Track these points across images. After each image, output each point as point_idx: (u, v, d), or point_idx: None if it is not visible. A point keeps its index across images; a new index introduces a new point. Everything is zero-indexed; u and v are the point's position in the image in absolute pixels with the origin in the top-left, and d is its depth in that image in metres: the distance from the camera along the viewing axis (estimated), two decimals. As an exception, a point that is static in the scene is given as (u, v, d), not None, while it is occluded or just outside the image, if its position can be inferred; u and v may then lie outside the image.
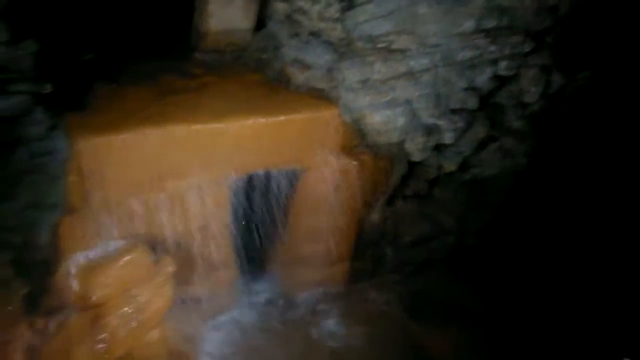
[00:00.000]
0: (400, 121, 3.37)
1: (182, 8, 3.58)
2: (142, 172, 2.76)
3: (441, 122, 3.51)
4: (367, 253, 3.85)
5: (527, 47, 3.54)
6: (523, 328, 3.49)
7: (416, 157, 3.56)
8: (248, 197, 3.29)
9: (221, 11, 3.42)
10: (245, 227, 3.41)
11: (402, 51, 3.27)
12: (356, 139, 3.39)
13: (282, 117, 3.11)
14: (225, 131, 2.96)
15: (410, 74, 3.34)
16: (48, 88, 2.41)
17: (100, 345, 2.61)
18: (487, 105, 3.66)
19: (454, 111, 3.58)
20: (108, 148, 2.64)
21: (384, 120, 3.33)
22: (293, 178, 3.36)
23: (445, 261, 4.01)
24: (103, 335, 2.62)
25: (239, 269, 3.52)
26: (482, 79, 3.58)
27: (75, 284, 2.60)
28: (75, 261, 2.66)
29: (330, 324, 3.70)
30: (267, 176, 3.25)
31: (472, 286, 3.86)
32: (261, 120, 3.05)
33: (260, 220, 3.44)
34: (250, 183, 3.23)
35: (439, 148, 3.63)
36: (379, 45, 3.17)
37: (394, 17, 3.16)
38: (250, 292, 3.76)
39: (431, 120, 3.49)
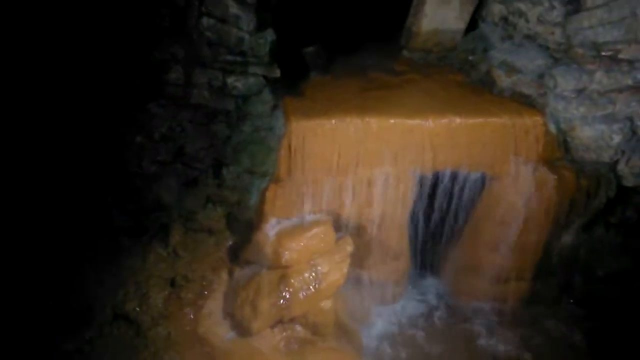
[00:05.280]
0: (616, 139, 3.02)
1: (396, 8, 3.77)
2: (339, 157, 2.99)
3: (667, 147, 3.04)
4: (552, 278, 3.54)
5: None
6: None
7: (629, 182, 3.15)
8: (431, 195, 3.30)
9: (436, 12, 3.49)
10: (424, 224, 3.45)
11: (630, 62, 2.91)
12: (558, 152, 3.15)
13: (479, 120, 3.06)
14: (418, 127, 3.02)
15: (636, 89, 2.95)
16: (278, 73, 2.78)
17: (282, 302, 2.93)
18: None
19: (686, 135, 3.07)
20: (314, 131, 2.92)
21: (596, 135, 3.03)
22: (481, 183, 3.27)
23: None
24: (286, 294, 2.94)
25: (411, 264, 3.58)
26: None
27: (271, 244, 2.97)
28: (274, 224, 3.03)
29: (498, 341, 3.52)
30: (454, 177, 3.22)
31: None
32: (457, 120, 3.04)
33: (440, 220, 3.43)
34: (436, 181, 3.24)
35: (659, 175, 3.15)
36: (603, 54, 2.88)
37: (625, 24, 2.82)
38: (419, 288, 3.79)
39: (655, 143, 3.05)
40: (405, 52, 3.78)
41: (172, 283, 2.97)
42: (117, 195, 2.79)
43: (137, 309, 2.85)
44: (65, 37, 2.41)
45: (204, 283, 3.04)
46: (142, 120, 2.71)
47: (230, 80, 2.72)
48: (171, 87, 2.67)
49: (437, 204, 3.34)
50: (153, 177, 2.82)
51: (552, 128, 3.09)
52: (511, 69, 3.25)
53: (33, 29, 2.32)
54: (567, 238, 3.38)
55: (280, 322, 3.03)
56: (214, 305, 3.02)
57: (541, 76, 3.12)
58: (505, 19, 3.32)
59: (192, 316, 2.96)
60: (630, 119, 3.03)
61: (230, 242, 3.13)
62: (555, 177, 3.13)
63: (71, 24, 2.40)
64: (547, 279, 3.56)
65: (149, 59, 2.59)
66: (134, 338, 2.79)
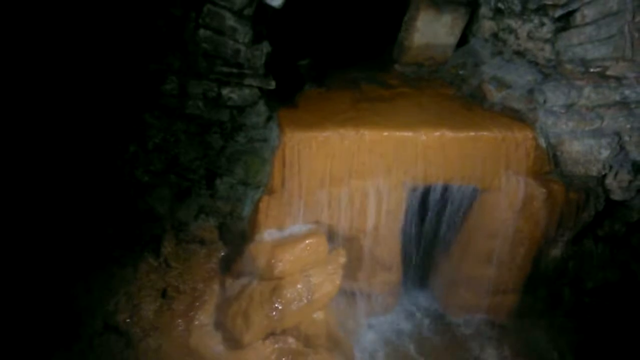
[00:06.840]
0: (604, 154, 3.09)
1: (387, 23, 3.83)
2: (333, 168, 3.00)
3: (654, 162, 3.11)
4: (541, 290, 3.57)
5: None
6: None
7: (617, 195, 3.21)
8: (423, 207, 3.33)
9: (428, 27, 3.55)
10: (415, 236, 3.47)
11: (618, 79, 2.99)
12: (548, 166, 3.20)
13: (470, 133, 3.09)
14: (411, 140, 3.05)
15: (623, 104, 3.03)
16: (273, 85, 2.80)
17: (275, 314, 2.92)
18: None
19: (672, 151, 3.14)
20: (308, 143, 2.93)
21: (585, 150, 3.09)
22: (472, 196, 3.30)
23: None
24: (278, 306, 2.93)
25: (403, 276, 3.59)
26: None
27: (264, 255, 2.96)
28: (266, 235, 3.02)
29: (488, 354, 3.54)
30: (446, 190, 3.25)
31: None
32: (448, 133, 3.07)
33: (431, 232, 3.46)
34: (427, 194, 3.27)
35: (647, 190, 3.22)
36: (592, 70, 2.95)
37: (613, 42, 2.90)
38: (411, 300, 3.81)
39: (642, 158, 3.12)
40: (397, 66, 3.83)
41: (164, 294, 2.95)
42: (109, 204, 2.78)
43: (128, 320, 2.82)
44: (60, 46, 2.41)
45: (196, 294, 3.01)
46: (136, 129, 2.71)
47: (225, 91, 2.73)
48: (166, 97, 2.68)
49: (428, 216, 3.36)
50: (146, 186, 2.81)
51: (542, 142, 3.14)
52: (501, 84, 3.31)
53: (28, 33, 2.32)
54: (557, 251, 3.42)
55: (272, 334, 3.02)
56: (206, 317, 2.99)
57: (531, 91, 3.19)
58: (495, 35, 3.39)
59: (183, 328, 2.93)
60: (618, 134, 3.10)
61: (222, 253, 3.12)
62: (545, 190, 3.17)
63: (67, 34, 2.40)
64: (537, 291, 3.59)
65: (145, 69, 2.60)
66: (124, 350, 2.76)
